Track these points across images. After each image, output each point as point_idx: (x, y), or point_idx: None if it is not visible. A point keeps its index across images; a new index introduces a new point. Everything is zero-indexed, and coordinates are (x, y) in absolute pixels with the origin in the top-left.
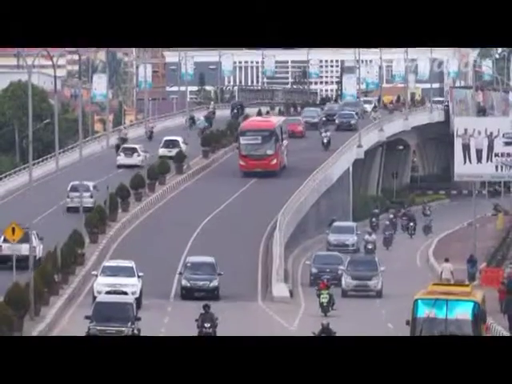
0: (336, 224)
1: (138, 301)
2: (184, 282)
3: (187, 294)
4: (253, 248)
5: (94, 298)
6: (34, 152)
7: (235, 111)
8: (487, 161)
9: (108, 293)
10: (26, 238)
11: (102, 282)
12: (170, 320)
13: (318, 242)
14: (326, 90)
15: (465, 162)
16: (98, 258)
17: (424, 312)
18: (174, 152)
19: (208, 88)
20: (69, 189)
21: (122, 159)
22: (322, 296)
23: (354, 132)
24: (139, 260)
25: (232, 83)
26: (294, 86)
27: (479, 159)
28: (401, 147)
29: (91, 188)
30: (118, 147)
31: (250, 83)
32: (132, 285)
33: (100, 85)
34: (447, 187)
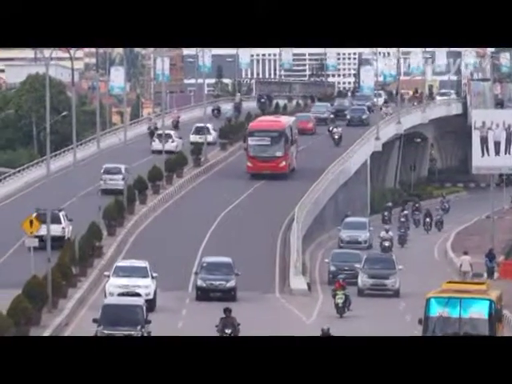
0: (348, 220)
1: (152, 303)
2: (200, 283)
3: (202, 294)
4: (271, 241)
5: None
6: (52, 144)
7: (262, 100)
8: (505, 153)
9: (120, 294)
10: (56, 220)
11: (114, 284)
12: (184, 324)
13: (336, 235)
14: (344, 83)
15: (483, 154)
16: (116, 251)
17: (437, 311)
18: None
19: (225, 81)
20: (102, 171)
21: (156, 145)
22: (337, 296)
23: (365, 127)
24: (156, 254)
25: (249, 76)
26: (312, 79)
27: (497, 152)
28: (418, 140)
29: (123, 171)
30: (152, 133)
31: (267, 76)
32: (146, 286)
33: (117, 77)
34: (465, 180)
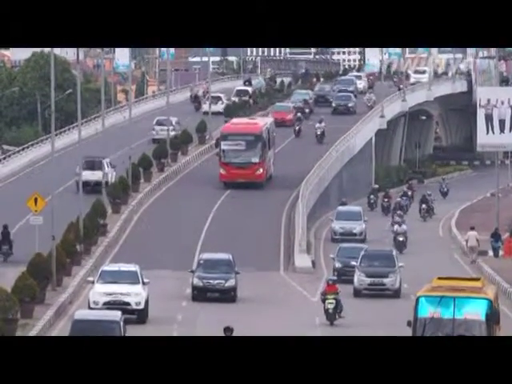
0: (341, 209)
1: (143, 314)
2: (196, 281)
3: (199, 294)
4: (275, 218)
5: (90, 309)
6: (57, 122)
7: (247, 84)
8: (510, 131)
9: (107, 304)
10: (99, 166)
11: (99, 291)
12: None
13: None
14: (349, 60)
15: (487, 132)
16: (120, 229)
17: (428, 311)
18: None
19: (230, 59)
20: (154, 123)
21: (207, 107)
22: (327, 301)
23: (352, 116)
24: (159, 233)
25: (254, 54)
26: (317, 57)
27: (502, 129)
28: (423, 117)
29: (174, 122)
30: (195, 97)
31: (272, 54)
32: (136, 294)
33: (122, 55)
34: (470, 157)
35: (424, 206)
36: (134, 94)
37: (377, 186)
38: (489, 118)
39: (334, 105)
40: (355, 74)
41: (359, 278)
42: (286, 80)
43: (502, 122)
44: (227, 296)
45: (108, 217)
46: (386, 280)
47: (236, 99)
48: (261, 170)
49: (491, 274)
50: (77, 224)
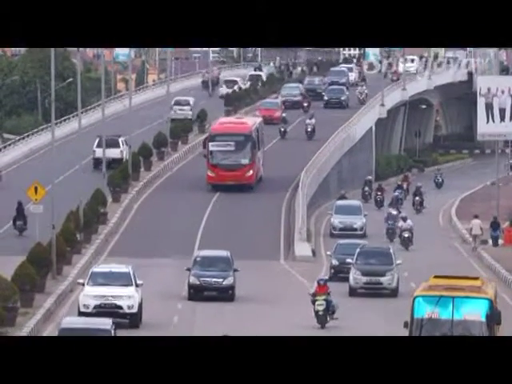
0: (340, 203)
1: (136, 318)
2: (192, 280)
3: (196, 293)
4: (275, 207)
5: (81, 313)
6: (57, 111)
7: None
8: (510, 120)
9: (97, 307)
10: (115, 144)
11: (89, 293)
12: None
13: None
14: (349, 49)
15: (488, 121)
16: (120, 218)
17: (425, 312)
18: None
19: (230, 47)
20: (172, 103)
21: (223, 90)
22: (317, 303)
23: (344, 110)
24: (160, 221)
25: None
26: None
27: (502, 118)
28: (424, 106)
29: (191, 102)
30: (205, 83)
31: None
32: (128, 296)
33: None
34: (470, 146)
35: (417, 198)
36: (133, 82)
37: (370, 177)
38: (489, 107)
39: (326, 98)
40: (347, 65)
41: (355, 277)
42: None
43: (502, 111)
44: (225, 295)
45: (108, 205)
46: (382, 279)
47: (225, 89)
48: (251, 172)
49: (491, 263)
50: (77, 213)
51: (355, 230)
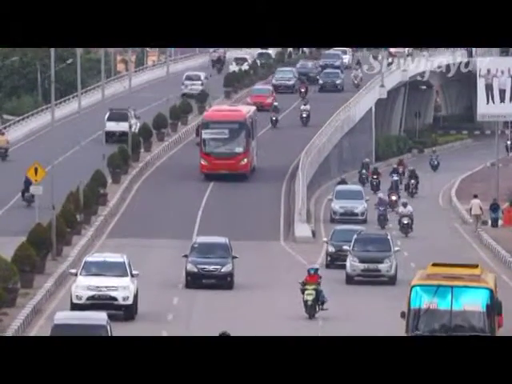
0: (340, 188)
1: (131, 310)
2: (190, 267)
3: (193, 281)
4: (275, 188)
5: (73, 305)
6: (57, 92)
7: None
8: (510, 101)
9: (91, 298)
10: (124, 118)
11: (82, 284)
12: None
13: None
14: None
15: (488, 102)
16: (120, 199)
17: (423, 302)
18: (243, 66)
19: None
20: (184, 78)
21: (233, 67)
22: (306, 292)
23: (340, 93)
24: (159, 203)
25: None
26: None
27: (502, 99)
28: (424, 87)
29: (202, 78)
30: (218, 60)
31: None
32: (123, 287)
33: None
34: (470, 127)
35: (413, 181)
36: (133, 64)
37: (368, 159)
38: (489, 88)
39: (321, 82)
40: (341, 48)
41: (352, 264)
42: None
43: (502, 92)
44: (223, 282)
45: (108, 186)
46: (380, 266)
47: (235, 66)
48: (245, 161)
49: (491, 244)
50: (77, 193)
51: (356, 215)
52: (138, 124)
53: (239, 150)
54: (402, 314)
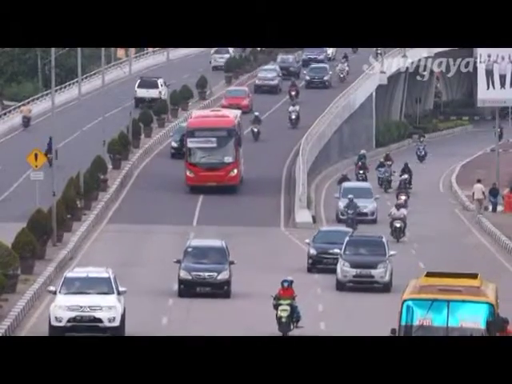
0: (347, 185)
1: (117, 332)
2: (183, 274)
3: (186, 289)
4: (275, 174)
5: (52, 328)
6: (57, 78)
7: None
8: (510, 86)
9: (72, 320)
10: (154, 85)
11: (62, 304)
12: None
13: (342, 167)
14: None
15: (488, 87)
16: (121, 185)
17: (416, 318)
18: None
19: None
20: (212, 52)
21: (215, 62)
22: (280, 308)
23: (328, 90)
24: (159, 190)
25: None
26: None
27: (502, 85)
28: (424, 73)
29: (230, 51)
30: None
31: None
32: (109, 307)
33: None
34: (470, 113)
35: (406, 176)
36: (134, 50)
37: (364, 151)
38: (489, 74)
39: (307, 78)
40: None
41: (343, 269)
42: None
43: (502, 78)
44: (220, 291)
45: (108, 172)
46: (374, 271)
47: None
48: (235, 172)
49: (491, 229)
50: (77, 180)
51: (365, 214)
52: (167, 91)
53: (228, 159)
54: (393, 331)
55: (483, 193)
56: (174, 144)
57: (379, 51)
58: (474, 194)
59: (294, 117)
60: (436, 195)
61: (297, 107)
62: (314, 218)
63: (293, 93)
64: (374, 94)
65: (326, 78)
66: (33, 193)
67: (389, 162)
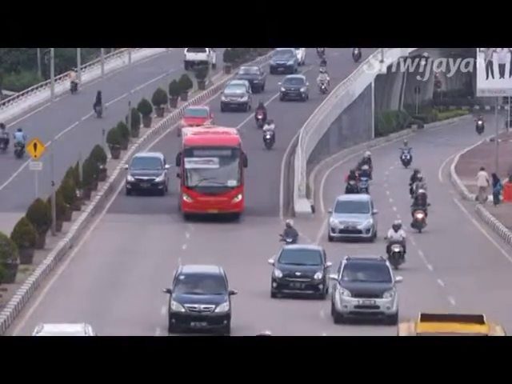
0: (342, 199)
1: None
2: (175, 306)
3: (179, 324)
4: (275, 164)
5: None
6: (56, 68)
7: None
8: (510, 76)
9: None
10: (202, 49)
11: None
12: None
13: (341, 157)
14: None
15: (487, 77)
16: (120, 174)
17: None
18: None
19: None
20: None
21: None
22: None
23: (305, 103)
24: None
25: None
26: None
27: (502, 74)
28: (423, 63)
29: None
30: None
31: None
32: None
33: None
34: (469, 102)
35: (421, 191)
36: None
37: (369, 152)
38: (489, 63)
39: (282, 89)
40: None
41: (342, 298)
42: None
43: (501, 67)
44: (218, 326)
45: (108, 162)
46: (379, 301)
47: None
48: (240, 197)
49: (491, 220)
50: (76, 169)
51: (359, 232)
52: (215, 55)
53: (232, 183)
54: None
55: (487, 180)
56: (131, 178)
57: (356, 51)
58: (477, 181)
59: (268, 136)
60: (436, 184)
61: (272, 126)
62: (313, 207)
63: (259, 116)
64: (373, 83)
65: (302, 90)
66: (32, 182)
67: (367, 166)
